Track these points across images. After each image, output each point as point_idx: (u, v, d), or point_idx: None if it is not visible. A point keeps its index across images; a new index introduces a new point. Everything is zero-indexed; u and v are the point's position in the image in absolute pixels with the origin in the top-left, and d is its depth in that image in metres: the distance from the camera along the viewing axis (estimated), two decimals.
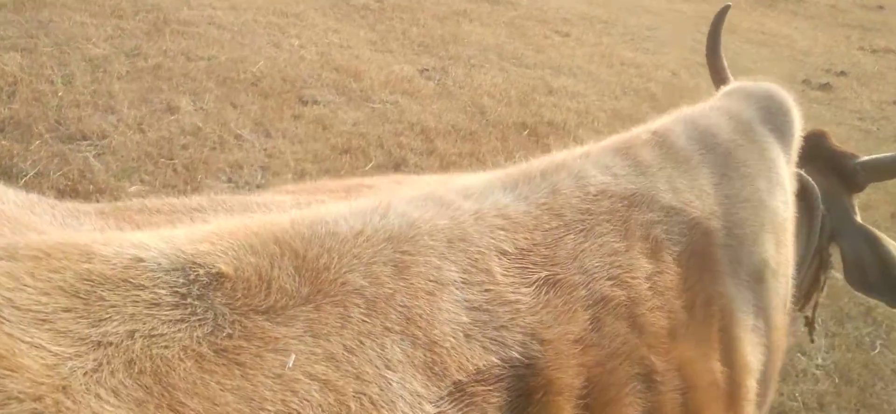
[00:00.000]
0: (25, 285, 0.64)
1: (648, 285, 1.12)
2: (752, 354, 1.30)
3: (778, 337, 1.41)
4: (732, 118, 1.47)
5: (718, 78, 2.21)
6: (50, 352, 0.61)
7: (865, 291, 1.96)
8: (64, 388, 0.59)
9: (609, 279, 1.07)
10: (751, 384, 1.29)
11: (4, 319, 0.61)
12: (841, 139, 2.20)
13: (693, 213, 1.26)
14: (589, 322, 1.00)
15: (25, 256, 0.66)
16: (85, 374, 0.62)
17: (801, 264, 1.87)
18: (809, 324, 2.19)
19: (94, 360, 0.63)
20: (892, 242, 1.95)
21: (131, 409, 0.62)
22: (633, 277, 1.10)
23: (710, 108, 1.53)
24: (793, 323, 1.90)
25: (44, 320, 0.62)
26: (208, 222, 0.88)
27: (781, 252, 1.42)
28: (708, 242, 1.26)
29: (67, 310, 0.64)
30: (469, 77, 7.13)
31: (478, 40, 8.47)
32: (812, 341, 2.35)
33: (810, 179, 1.88)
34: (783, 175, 1.49)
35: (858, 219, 2.01)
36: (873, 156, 2.06)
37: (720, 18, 2.22)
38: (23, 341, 0.60)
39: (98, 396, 0.61)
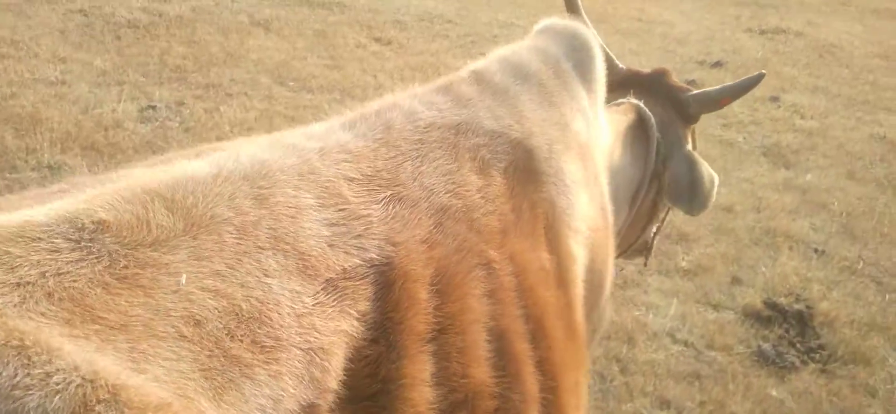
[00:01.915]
0: None
1: (480, 195, 1.27)
2: (575, 247, 1.45)
3: (600, 237, 1.58)
4: (541, 54, 1.63)
5: None
6: None
7: (675, 202, 2.14)
8: (0, 317, 0.67)
9: (446, 193, 1.22)
10: (576, 270, 1.44)
11: None
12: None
13: (514, 135, 1.41)
14: (433, 226, 1.15)
15: None
16: (14, 306, 0.70)
17: (640, 187, 2.07)
18: (648, 247, 2.37)
19: (19, 296, 0.71)
20: (708, 167, 2.18)
21: (62, 325, 0.71)
22: (466, 191, 1.25)
23: (523, 46, 1.67)
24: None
25: None
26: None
27: (588, 167, 1.58)
28: (530, 157, 1.41)
29: None
30: (212, 113, 5.42)
31: (261, 58, 6.75)
32: (645, 265, 2.72)
33: (646, 109, 2.10)
34: (584, 104, 1.65)
35: (688, 147, 2.20)
36: (703, 89, 2.30)
37: None
38: None
39: (31, 319, 0.69)
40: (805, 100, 7.14)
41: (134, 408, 0.65)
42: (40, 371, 0.63)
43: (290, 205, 0.98)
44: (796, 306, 3.76)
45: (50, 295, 0.72)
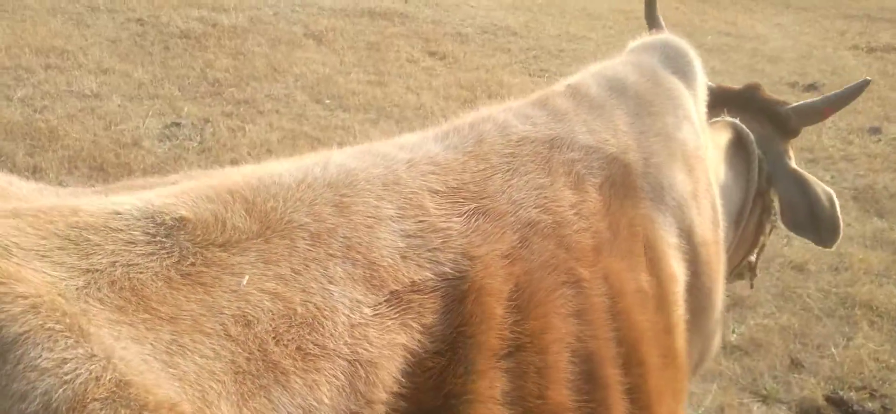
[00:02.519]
0: (27, 233, 0.78)
1: (573, 212, 1.21)
2: (677, 266, 1.37)
3: (708, 252, 1.48)
4: (637, 66, 1.58)
5: None
6: (49, 274, 0.75)
7: (796, 229, 1.98)
8: (60, 294, 0.74)
9: (536, 207, 1.17)
10: (677, 290, 1.36)
11: (12, 254, 0.75)
12: None
13: (610, 149, 1.36)
14: (517, 241, 1.11)
15: (26, 213, 0.82)
16: (77, 288, 0.76)
17: (743, 208, 1.94)
18: (751, 269, 2.18)
19: (84, 281, 0.77)
20: (819, 183, 1.99)
21: (113, 311, 0.76)
22: (558, 206, 1.20)
23: (617, 61, 1.64)
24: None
25: (44, 256, 0.77)
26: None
27: (697, 177, 1.49)
28: (627, 172, 1.36)
29: (61, 248, 0.78)
30: (235, 132, 5.16)
31: (304, 72, 6.48)
32: (751, 287, 2.37)
33: (744, 127, 1.95)
34: (689, 110, 1.57)
35: (792, 163, 2.03)
36: (803, 101, 2.11)
37: None
38: (27, 269, 0.74)
39: (87, 301, 0.75)
40: None
41: (131, 406, 0.69)
42: (60, 355, 0.68)
43: (369, 214, 0.99)
44: (870, 405, 3.05)
45: (113, 283, 0.77)
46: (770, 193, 1.99)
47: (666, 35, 1.75)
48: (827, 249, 2.06)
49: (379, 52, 7.34)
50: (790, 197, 1.96)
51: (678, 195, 1.42)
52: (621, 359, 1.14)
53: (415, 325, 0.93)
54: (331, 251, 0.91)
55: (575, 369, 1.06)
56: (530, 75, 7.05)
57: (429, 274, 0.98)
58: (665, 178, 1.40)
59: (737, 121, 1.97)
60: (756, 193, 1.95)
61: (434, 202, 1.07)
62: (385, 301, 0.92)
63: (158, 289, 0.79)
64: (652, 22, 2.12)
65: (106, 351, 0.70)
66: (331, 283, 0.89)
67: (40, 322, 0.69)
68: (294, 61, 6.74)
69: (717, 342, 1.75)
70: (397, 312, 0.93)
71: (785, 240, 4.05)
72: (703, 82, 1.69)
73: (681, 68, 1.62)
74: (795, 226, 1.97)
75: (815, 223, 1.93)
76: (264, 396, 0.78)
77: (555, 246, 1.14)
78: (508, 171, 1.20)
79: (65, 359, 0.68)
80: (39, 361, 0.67)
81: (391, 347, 0.90)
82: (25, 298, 0.70)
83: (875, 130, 6.13)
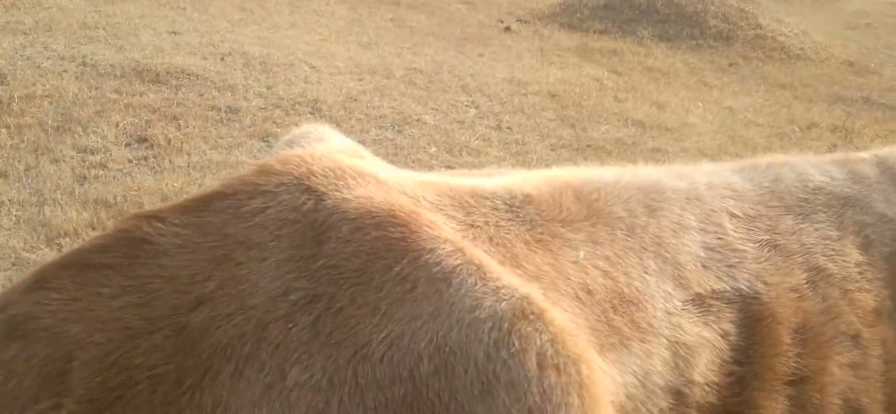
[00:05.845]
0: (428, 189, 1.00)
1: (858, 270, 1.25)
2: None
3: None
4: None
5: None
6: (447, 225, 0.94)
7: None
8: (461, 243, 0.91)
9: (823, 255, 1.23)
10: None
11: (423, 203, 0.96)
12: None
13: None
14: (805, 281, 1.18)
15: (419, 177, 1.05)
16: (470, 240, 0.95)
17: None
18: None
19: (472, 235, 0.96)
20: None
21: (496, 258, 0.93)
22: (844, 260, 1.25)
23: None
24: None
25: (440, 209, 0.96)
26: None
27: None
28: None
29: (452, 206, 0.98)
30: None
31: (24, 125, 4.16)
32: None
33: None
34: None
35: None
36: None
37: None
38: (435, 216, 0.95)
39: (478, 247, 0.93)
40: None
41: (554, 324, 0.83)
42: (492, 284, 0.84)
43: (674, 221, 1.12)
44: None
45: (491, 239, 0.96)
46: None
47: None
48: None
49: (66, 132, 5.01)
50: None
51: None
52: None
53: (717, 327, 1.03)
54: (643, 245, 1.05)
55: None
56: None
57: (727, 286, 1.08)
58: None
59: None
60: None
61: (731, 224, 1.16)
62: (691, 300, 1.03)
63: (521, 249, 0.96)
64: None
65: (521, 284, 0.87)
66: (646, 273, 1.02)
67: (466, 259, 0.86)
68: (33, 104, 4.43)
69: None
70: (702, 311, 1.03)
71: None
72: None
73: None
74: None
75: None
76: (615, 353, 0.92)
77: (838, 295, 1.18)
78: (801, 214, 1.26)
79: (498, 286, 0.84)
80: (478, 285, 0.83)
81: (701, 338, 1.01)
82: (447, 241, 0.88)
83: None
